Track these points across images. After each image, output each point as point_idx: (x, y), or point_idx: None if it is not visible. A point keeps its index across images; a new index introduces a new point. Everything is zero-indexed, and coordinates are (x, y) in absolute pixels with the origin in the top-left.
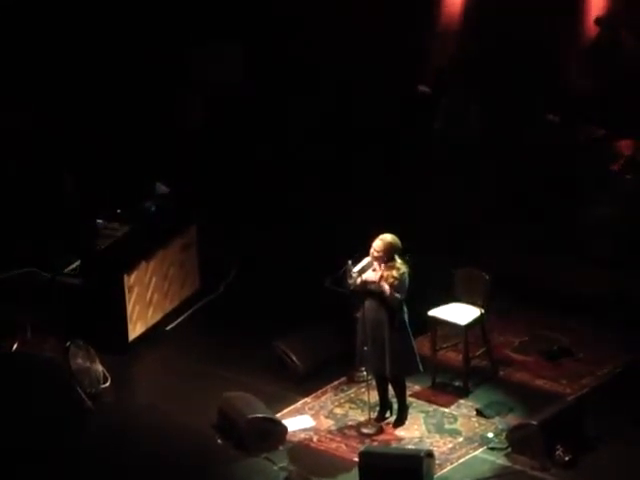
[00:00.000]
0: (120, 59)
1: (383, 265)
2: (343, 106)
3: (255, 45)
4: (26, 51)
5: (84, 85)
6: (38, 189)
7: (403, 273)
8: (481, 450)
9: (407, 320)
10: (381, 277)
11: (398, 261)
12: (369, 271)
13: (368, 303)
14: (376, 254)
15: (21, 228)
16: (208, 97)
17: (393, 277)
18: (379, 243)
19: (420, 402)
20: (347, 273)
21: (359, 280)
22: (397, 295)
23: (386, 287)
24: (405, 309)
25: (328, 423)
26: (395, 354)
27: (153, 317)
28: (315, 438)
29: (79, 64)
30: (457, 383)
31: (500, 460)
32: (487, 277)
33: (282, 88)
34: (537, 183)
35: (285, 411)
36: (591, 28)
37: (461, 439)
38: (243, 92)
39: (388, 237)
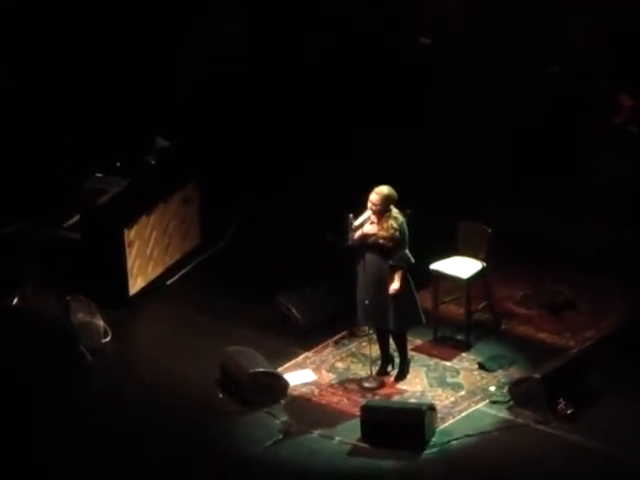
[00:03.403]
0: (121, 14)
1: (380, 217)
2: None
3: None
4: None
5: (89, 37)
6: (37, 143)
7: (402, 223)
8: (483, 404)
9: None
10: (380, 228)
11: (394, 210)
12: (367, 224)
13: (368, 256)
14: (374, 207)
15: (20, 182)
16: (209, 51)
17: (393, 228)
18: (376, 196)
19: (422, 356)
20: (348, 227)
21: (358, 233)
22: (405, 252)
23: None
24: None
25: (329, 377)
26: (398, 306)
27: (154, 271)
28: (316, 392)
29: (78, 19)
30: (459, 337)
31: (502, 414)
32: (489, 230)
33: (282, 44)
34: (538, 136)
35: (286, 365)
36: None
37: (463, 393)
38: (243, 47)
39: (385, 189)
